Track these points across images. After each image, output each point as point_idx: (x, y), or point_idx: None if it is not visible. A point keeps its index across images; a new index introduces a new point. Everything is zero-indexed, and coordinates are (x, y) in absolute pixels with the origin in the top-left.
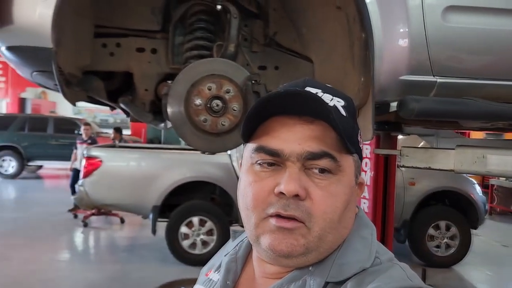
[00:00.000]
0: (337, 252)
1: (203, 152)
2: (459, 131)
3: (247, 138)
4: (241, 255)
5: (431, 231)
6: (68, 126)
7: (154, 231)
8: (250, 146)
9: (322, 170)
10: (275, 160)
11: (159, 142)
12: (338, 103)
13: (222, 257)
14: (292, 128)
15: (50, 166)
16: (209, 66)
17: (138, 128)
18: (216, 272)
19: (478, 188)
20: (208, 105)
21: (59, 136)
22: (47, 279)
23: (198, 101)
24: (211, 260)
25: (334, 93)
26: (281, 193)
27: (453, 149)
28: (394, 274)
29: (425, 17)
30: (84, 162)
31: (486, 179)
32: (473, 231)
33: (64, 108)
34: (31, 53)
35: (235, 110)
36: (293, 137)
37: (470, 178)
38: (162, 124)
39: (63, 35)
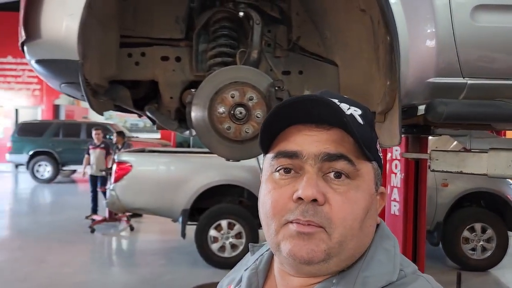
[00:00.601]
0: (361, 264)
1: (228, 160)
2: (493, 131)
3: (266, 149)
4: (262, 268)
5: (466, 233)
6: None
7: (183, 234)
8: (269, 155)
9: (340, 175)
10: (293, 163)
11: (188, 146)
12: (355, 112)
13: (241, 271)
14: (309, 133)
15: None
16: (232, 74)
17: (167, 132)
18: (237, 287)
19: None
20: (232, 113)
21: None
22: (81, 282)
23: (221, 109)
24: (229, 274)
25: (351, 103)
26: (300, 198)
27: (486, 152)
28: (419, 287)
29: (453, 17)
30: (115, 167)
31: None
32: (510, 233)
33: (96, 114)
34: (58, 65)
35: (258, 117)
36: (310, 140)
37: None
38: (187, 131)
39: (89, 47)
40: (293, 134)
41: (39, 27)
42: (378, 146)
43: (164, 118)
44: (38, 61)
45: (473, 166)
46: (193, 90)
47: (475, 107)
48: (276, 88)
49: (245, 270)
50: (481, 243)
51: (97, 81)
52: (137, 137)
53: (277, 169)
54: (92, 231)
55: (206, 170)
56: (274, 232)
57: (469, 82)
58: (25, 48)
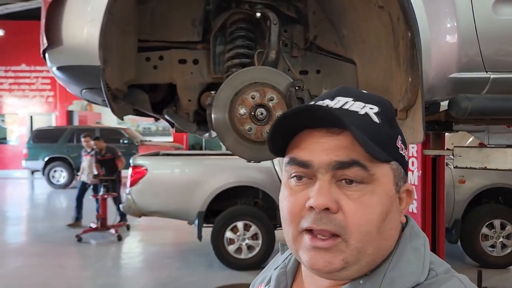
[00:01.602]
0: (388, 264)
1: (249, 161)
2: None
3: (281, 153)
4: (290, 268)
5: (484, 230)
6: (113, 136)
7: (200, 236)
8: (285, 160)
9: (353, 181)
10: (305, 172)
11: (201, 148)
12: (371, 110)
13: (272, 271)
14: (319, 139)
15: None
16: (252, 75)
17: (179, 135)
18: (267, 286)
19: None
20: (252, 114)
21: None
22: (100, 285)
23: (242, 110)
24: (262, 272)
25: (368, 99)
26: (312, 207)
27: (511, 147)
28: (451, 287)
29: (474, 10)
30: (130, 170)
31: None
32: None
33: (109, 119)
34: (80, 71)
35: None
36: (320, 148)
37: None
38: (207, 134)
39: (110, 52)
40: (304, 140)
41: (61, 34)
42: (399, 143)
43: (183, 121)
44: (60, 68)
45: (498, 161)
46: (212, 92)
47: (500, 101)
48: (296, 88)
49: (275, 269)
50: (501, 239)
51: (117, 86)
52: (150, 140)
53: (291, 175)
54: (79, 240)
55: (221, 172)
56: (292, 239)
57: (492, 76)
58: (46, 55)
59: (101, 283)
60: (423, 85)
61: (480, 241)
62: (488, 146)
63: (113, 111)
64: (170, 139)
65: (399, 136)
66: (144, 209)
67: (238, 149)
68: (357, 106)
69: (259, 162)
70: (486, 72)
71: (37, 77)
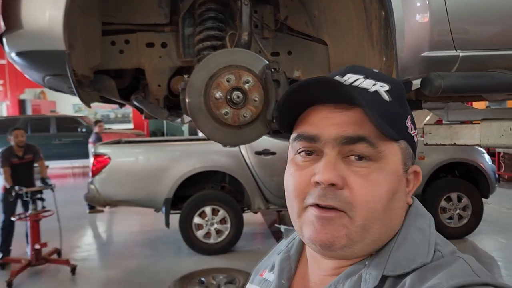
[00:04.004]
0: (393, 245)
1: (225, 146)
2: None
3: (289, 130)
4: (294, 253)
5: (443, 203)
6: (70, 125)
7: (167, 224)
8: (292, 136)
9: (361, 157)
10: (313, 146)
11: (162, 134)
12: (382, 88)
13: (275, 256)
14: (328, 115)
15: (55, 166)
16: (226, 57)
17: (140, 122)
18: (271, 272)
19: (487, 157)
20: (228, 97)
21: (62, 135)
22: (67, 279)
23: (218, 94)
24: (264, 259)
25: (379, 77)
26: (318, 182)
27: (479, 123)
28: (457, 269)
29: None
30: (92, 160)
31: (492, 147)
32: (484, 200)
33: (64, 107)
34: (43, 57)
35: (256, 101)
36: (329, 122)
37: (479, 148)
38: (179, 120)
39: (74, 37)
40: (313, 116)
41: (20, 17)
42: (409, 123)
43: (154, 107)
44: (20, 53)
45: (466, 137)
46: (185, 76)
47: (471, 78)
48: (272, 70)
49: (278, 254)
50: (458, 211)
51: (83, 72)
52: (110, 128)
53: (299, 151)
54: (9, 285)
55: (186, 158)
56: (297, 215)
57: (461, 54)
58: (4, 40)
59: (68, 276)
60: (398, 64)
61: (439, 213)
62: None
63: (81, 98)
64: (131, 126)
65: (409, 116)
66: (109, 198)
67: (214, 134)
68: (368, 84)
69: (235, 146)
70: (456, 50)
71: None
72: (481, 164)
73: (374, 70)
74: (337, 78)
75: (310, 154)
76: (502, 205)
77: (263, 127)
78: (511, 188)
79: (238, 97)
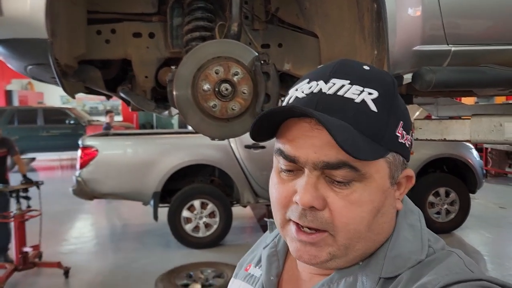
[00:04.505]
0: (388, 245)
1: (213, 139)
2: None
3: (269, 136)
4: (281, 247)
5: (431, 198)
6: (58, 116)
7: (156, 217)
8: (275, 146)
9: (344, 180)
10: (294, 166)
11: (151, 127)
12: (369, 96)
13: (260, 250)
14: (309, 132)
15: (43, 158)
16: (215, 48)
17: (129, 114)
18: (257, 266)
19: (475, 153)
20: (217, 90)
21: (49, 127)
22: (52, 273)
23: (206, 86)
24: (249, 252)
25: (368, 80)
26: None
27: (469, 118)
28: (451, 264)
29: None
30: (80, 152)
31: (480, 143)
32: (471, 195)
33: (52, 98)
34: (24, 45)
35: (244, 93)
36: (309, 143)
37: (467, 143)
38: (166, 112)
39: (57, 24)
40: (294, 129)
41: (0, 3)
42: (399, 131)
43: (140, 99)
44: (0, 41)
45: (457, 133)
46: (172, 67)
47: (463, 73)
48: (262, 62)
49: (264, 248)
50: (446, 206)
51: (67, 61)
52: (98, 120)
53: (281, 168)
54: None
55: (175, 151)
56: (280, 225)
57: (453, 49)
58: None
59: (52, 271)
60: (389, 58)
61: (427, 208)
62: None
63: (64, 88)
64: (120, 118)
65: (401, 122)
66: (96, 191)
67: (202, 127)
68: (354, 92)
69: (223, 139)
70: (448, 44)
71: None
72: (469, 160)
73: (366, 67)
74: (321, 83)
75: (291, 171)
76: (488, 200)
77: (252, 120)
78: (498, 183)
79: (226, 89)
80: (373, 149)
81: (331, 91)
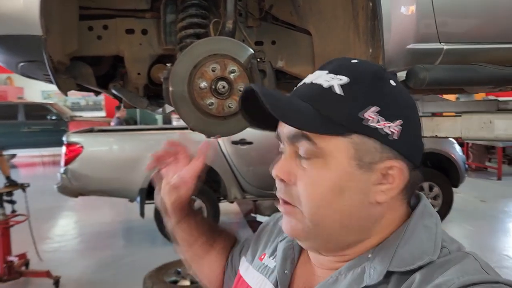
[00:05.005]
0: (399, 241)
1: (209, 137)
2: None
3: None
4: (297, 242)
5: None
6: (39, 112)
7: (142, 213)
8: None
9: (305, 154)
10: (281, 145)
11: (135, 123)
12: (340, 81)
13: (276, 242)
14: None
15: (24, 154)
16: (211, 46)
17: (112, 109)
18: (271, 257)
19: (458, 148)
20: (213, 87)
21: (31, 123)
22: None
23: (203, 84)
24: (262, 237)
25: (343, 69)
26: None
27: (460, 115)
28: (467, 265)
29: None
30: (64, 149)
31: (473, 140)
32: (454, 189)
33: (33, 93)
34: (17, 42)
35: (241, 91)
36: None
37: (450, 138)
38: (160, 109)
39: (50, 21)
40: None
41: None
42: (369, 115)
43: (133, 96)
44: None
45: (448, 130)
46: (168, 64)
47: (456, 71)
48: (258, 59)
49: (281, 240)
50: (429, 200)
51: (59, 58)
52: (81, 116)
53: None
54: None
55: (161, 147)
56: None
57: (445, 47)
58: None
59: (40, 267)
60: (384, 56)
61: None
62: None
63: (58, 86)
64: (103, 114)
65: (374, 106)
66: (82, 188)
67: (199, 124)
68: (326, 79)
69: (220, 137)
70: (440, 43)
71: None
72: (452, 155)
73: (353, 61)
74: (308, 76)
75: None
76: (470, 194)
77: None
78: (479, 177)
79: (223, 87)
80: (324, 124)
81: (308, 80)
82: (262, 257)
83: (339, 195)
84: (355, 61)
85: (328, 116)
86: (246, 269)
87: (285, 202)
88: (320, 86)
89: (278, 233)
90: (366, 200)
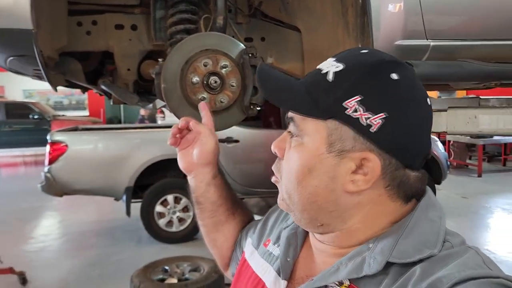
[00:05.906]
0: (402, 232)
1: None
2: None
3: None
4: (302, 229)
5: None
6: (21, 111)
7: (128, 212)
8: None
9: (292, 133)
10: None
11: (119, 122)
12: (336, 68)
13: (280, 228)
14: None
15: (5, 154)
16: (203, 41)
17: (96, 108)
18: (276, 245)
19: (440, 145)
20: (205, 82)
21: (12, 122)
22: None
23: (195, 79)
24: (269, 221)
25: (345, 57)
26: None
27: (445, 111)
28: (468, 260)
29: None
30: (48, 147)
31: (443, 136)
32: (436, 186)
33: (14, 92)
34: (7, 36)
35: (233, 86)
36: None
37: (432, 136)
38: (150, 105)
39: (41, 15)
40: None
41: None
42: (351, 104)
43: (123, 92)
44: None
45: (434, 125)
46: (160, 60)
47: (442, 67)
48: (250, 55)
49: (285, 228)
50: None
51: (49, 54)
52: (64, 115)
53: None
54: None
55: (147, 146)
56: None
57: (432, 44)
58: None
59: (23, 268)
60: None
61: None
62: None
63: (49, 81)
64: (86, 113)
65: (358, 96)
66: (67, 187)
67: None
68: (327, 66)
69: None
70: (427, 39)
71: None
72: (435, 152)
73: (363, 51)
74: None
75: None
76: (451, 191)
77: (240, 113)
78: (460, 175)
79: (215, 82)
80: (309, 106)
81: (319, 65)
82: (267, 243)
83: (308, 174)
84: (365, 51)
85: (316, 100)
86: (251, 253)
87: (275, 175)
88: (320, 70)
89: (284, 218)
90: (333, 184)
